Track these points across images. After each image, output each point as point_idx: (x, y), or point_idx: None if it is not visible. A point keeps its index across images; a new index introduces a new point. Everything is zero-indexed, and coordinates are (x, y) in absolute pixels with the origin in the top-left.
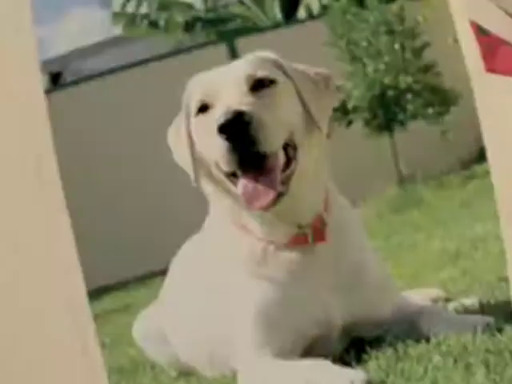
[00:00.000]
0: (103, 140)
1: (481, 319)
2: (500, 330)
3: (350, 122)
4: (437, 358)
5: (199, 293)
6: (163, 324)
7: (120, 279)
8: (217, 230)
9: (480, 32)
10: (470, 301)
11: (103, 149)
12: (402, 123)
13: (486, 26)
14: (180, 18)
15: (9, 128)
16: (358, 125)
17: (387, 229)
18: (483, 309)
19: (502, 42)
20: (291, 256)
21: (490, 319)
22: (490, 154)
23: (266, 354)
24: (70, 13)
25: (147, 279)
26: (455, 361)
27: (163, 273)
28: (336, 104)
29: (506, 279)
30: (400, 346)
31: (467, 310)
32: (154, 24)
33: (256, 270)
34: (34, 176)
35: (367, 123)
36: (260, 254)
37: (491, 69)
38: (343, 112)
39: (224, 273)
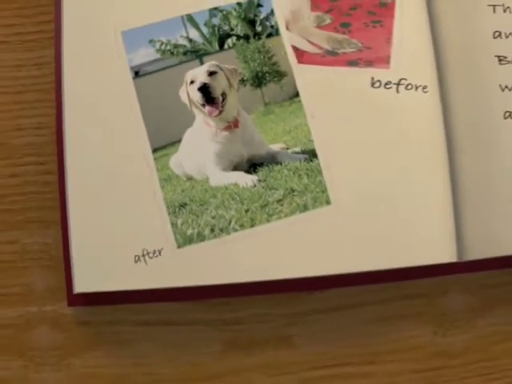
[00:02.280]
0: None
1: (302, 156)
2: (311, 161)
3: (245, 85)
4: (286, 172)
5: (190, 146)
6: (180, 158)
7: (161, 144)
8: (198, 125)
9: (295, 49)
10: (297, 149)
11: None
12: (265, 84)
13: (298, 46)
14: (181, 50)
15: (116, 93)
16: (248, 86)
17: (261, 122)
18: (303, 153)
19: (304, 51)
20: (226, 133)
21: (306, 156)
22: (299, 91)
23: (218, 169)
24: (140, 48)
25: (175, 143)
26: (293, 173)
27: None
28: (239, 78)
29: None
30: (270, 166)
31: (295, 153)
32: (172, 53)
33: (213, 139)
34: (128, 111)
35: (251, 85)
36: (214, 133)
37: (300, 62)
38: (242, 81)
39: (200, 140)
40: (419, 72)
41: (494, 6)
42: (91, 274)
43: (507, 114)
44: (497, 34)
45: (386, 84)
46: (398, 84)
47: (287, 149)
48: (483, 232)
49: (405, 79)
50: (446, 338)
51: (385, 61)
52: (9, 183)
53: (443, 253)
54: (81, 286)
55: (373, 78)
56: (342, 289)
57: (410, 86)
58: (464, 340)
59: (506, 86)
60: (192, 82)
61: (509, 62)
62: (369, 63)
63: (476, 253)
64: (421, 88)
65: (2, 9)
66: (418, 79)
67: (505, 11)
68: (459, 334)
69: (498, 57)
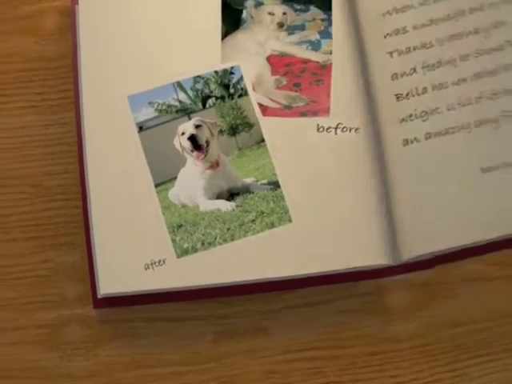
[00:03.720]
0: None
1: (269, 186)
2: (276, 190)
3: (223, 135)
4: (257, 198)
5: (184, 181)
6: (176, 191)
7: (162, 181)
8: (189, 166)
9: (260, 105)
10: (264, 181)
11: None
12: (238, 133)
13: (262, 103)
14: (174, 109)
15: (125, 143)
16: (225, 135)
17: (236, 162)
18: (269, 184)
19: (267, 107)
20: (210, 171)
21: (272, 186)
22: (264, 138)
23: (205, 198)
24: (142, 109)
25: (172, 180)
26: (263, 199)
27: None
28: (218, 130)
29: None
30: (245, 195)
31: (264, 184)
32: (167, 111)
33: (200, 176)
34: (135, 156)
35: (227, 134)
36: (201, 171)
37: (264, 115)
38: (220, 131)
39: (190, 177)
40: (352, 117)
41: (391, 52)
42: (111, 281)
43: (405, 141)
44: (394, 76)
45: (328, 128)
46: (336, 128)
47: (257, 181)
48: (414, 239)
49: (341, 123)
50: (394, 327)
51: (326, 111)
52: (43, 215)
53: (380, 258)
54: (103, 290)
55: (318, 125)
56: (309, 289)
57: (345, 129)
58: (409, 328)
59: (403, 119)
60: (183, 134)
61: (404, 97)
62: (314, 113)
63: (409, 255)
64: (354, 130)
65: (32, 80)
66: (351, 123)
67: (399, 55)
68: (404, 324)
69: (396, 95)
